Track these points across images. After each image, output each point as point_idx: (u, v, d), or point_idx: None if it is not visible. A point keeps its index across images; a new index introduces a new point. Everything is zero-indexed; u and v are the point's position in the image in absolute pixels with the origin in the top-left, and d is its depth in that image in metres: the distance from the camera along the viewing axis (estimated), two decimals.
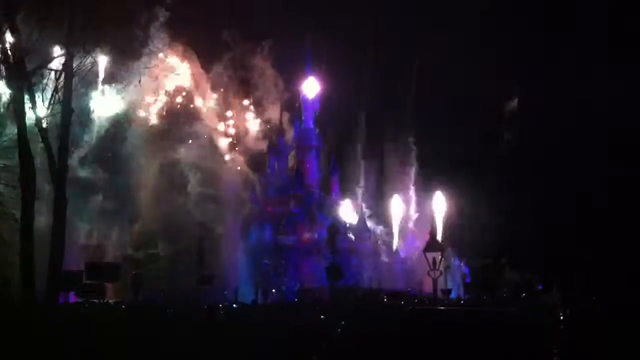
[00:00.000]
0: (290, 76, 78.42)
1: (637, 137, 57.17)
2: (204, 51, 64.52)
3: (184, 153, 63.30)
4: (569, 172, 61.76)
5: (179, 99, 65.52)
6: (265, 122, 73.91)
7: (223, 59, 66.33)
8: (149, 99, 59.49)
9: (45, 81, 31.60)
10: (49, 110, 31.47)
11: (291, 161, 79.73)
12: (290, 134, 77.76)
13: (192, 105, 66.14)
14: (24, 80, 29.97)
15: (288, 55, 77.48)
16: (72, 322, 27.59)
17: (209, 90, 67.17)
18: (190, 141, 64.35)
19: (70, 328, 25.20)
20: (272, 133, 76.68)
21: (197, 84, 65.71)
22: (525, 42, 68.80)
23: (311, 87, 79.99)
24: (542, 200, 62.57)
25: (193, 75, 64.76)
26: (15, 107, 30.17)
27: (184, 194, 62.55)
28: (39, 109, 30.62)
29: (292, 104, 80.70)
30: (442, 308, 37.34)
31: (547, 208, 62.36)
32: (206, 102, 67.22)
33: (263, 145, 74.08)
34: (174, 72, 52.41)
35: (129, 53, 33.43)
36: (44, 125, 31.09)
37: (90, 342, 22.38)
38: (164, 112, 64.13)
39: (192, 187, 62.73)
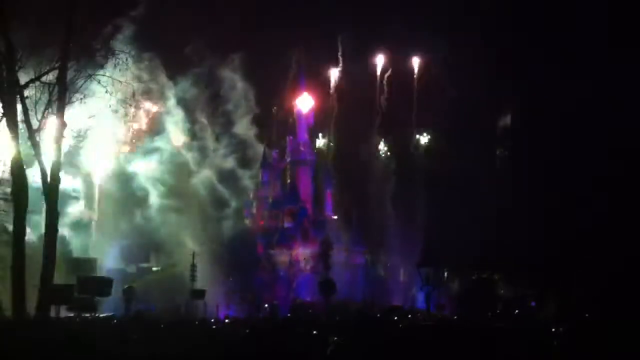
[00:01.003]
0: (283, 91, 78.64)
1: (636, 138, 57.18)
2: (175, 63, 63.66)
3: (165, 167, 62.70)
4: (566, 178, 61.71)
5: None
6: (235, 136, 72.24)
7: (194, 72, 65.53)
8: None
9: (38, 94, 31.53)
10: (42, 124, 31.40)
11: (285, 176, 79.76)
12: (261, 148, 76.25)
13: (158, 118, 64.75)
14: (17, 93, 29.92)
15: (283, 70, 77.68)
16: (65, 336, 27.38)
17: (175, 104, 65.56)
18: (164, 155, 63.53)
19: (61, 342, 25.02)
20: (266, 147, 76.32)
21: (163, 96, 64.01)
22: (524, 42, 68.82)
23: (305, 102, 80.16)
24: (538, 208, 62.46)
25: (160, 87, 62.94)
26: (8, 121, 30.09)
27: (173, 207, 62.25)
28: (31, 122, 30.55)
29: (286, 119, 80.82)
30: (435, 324, 37.31)
31: (544, 216, 62.21)
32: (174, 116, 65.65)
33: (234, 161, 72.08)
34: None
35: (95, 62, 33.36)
36: (37, 138, 31.00)
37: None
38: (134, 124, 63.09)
39: (180, 202, 62.43)
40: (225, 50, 67.70)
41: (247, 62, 68.81)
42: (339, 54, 79.48)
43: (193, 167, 65.52)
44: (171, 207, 61.66)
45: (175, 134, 65.21)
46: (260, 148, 74.73)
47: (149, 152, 62.93)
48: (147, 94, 53.78)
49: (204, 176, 65.70)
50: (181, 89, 64.55)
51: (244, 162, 71.65)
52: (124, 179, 61.25)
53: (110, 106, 34.98)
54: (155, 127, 64.74)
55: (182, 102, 64.81)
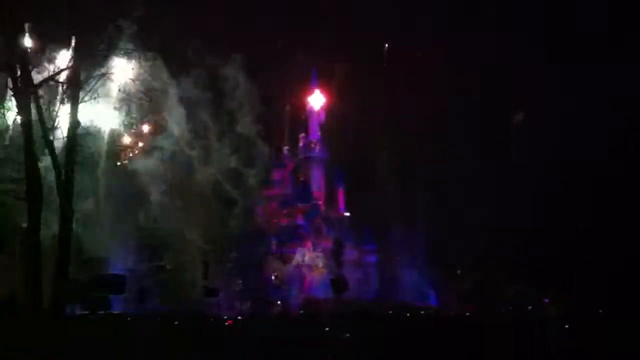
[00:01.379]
0: (295, 88, 78.78)
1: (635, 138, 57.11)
2: (177, 62, 63.15)
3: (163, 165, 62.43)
4: (566, 178, 61.66)
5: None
6: (239, 134, 71.64)
7: (197, 71, 65.15)
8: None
9: (52, 93, 31.84)
10: (56, 122, 31.68)
11: (297, 173, 79.83)
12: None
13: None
14: (31, 93, 30.19)
15: (294, 68, 77.79)
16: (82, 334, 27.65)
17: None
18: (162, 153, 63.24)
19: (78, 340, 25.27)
20: (277, 145, 76.25)
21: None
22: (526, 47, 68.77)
23: (317, 99, 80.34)
24: (538, 207, 62.45)
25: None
26: (22, 119, 30.38)
27: (180, 206, 62.26)
28: (45, 120, 30.82)
29: (298, 117, 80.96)
30: (446, 320, 37.38)
31: (543, 216, 62.22)
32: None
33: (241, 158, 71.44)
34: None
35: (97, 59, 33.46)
36: (51, 137, 31.29)
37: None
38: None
39: (187, 201, 62.39)
40: (231, 48, 67.61)
41: (254, 60, 68.74)
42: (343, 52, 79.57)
43: (198, 166, 65.55)
44: (178, 206, 61.76)
45: (178, 132, 65.14)
46: (266, 146, 74.57)
47: (152, 150, 62.92)
48: (150, 92, 53.65)
49: (209, 175, 65.79)
50: (183, 88, 64.39)
51: (250, 160, 71.43)
52: (128, 177, 61.35)
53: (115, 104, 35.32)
54: (158, 126, 64.68)
55: (184, 101, 64.62)
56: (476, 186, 66.39)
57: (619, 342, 23.21)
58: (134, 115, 45.54)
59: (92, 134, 41.17)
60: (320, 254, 71.30)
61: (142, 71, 38.56)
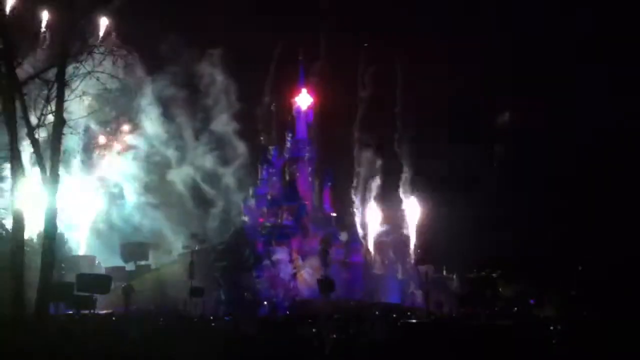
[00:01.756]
0: (283, 89, 78.77)
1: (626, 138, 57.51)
2: (154, 59, 62.34)
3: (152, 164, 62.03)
4: (565, 178, 61.93)
5: None
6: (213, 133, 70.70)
7: (175, 69, 64.41)
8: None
9: (37, 91, 31.43)
10: (41, 121, 31.29)
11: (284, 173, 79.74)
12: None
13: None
14: (16, 90, 29.84)
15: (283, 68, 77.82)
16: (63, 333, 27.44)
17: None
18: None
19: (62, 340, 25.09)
20: (263, 144, 76.04)
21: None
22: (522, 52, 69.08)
23: (304, 100, 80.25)
24: (538, 207, 62.67)
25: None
26: (7, 118, 30.01)
27: (173, 205, 62.08)
28: (30, 119, 30.46)
29: (286, 117, 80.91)
30: (433, 323, 37.34)
31: (538, 216, 62.44)
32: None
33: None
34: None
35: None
36: (36, 135, 30.91)
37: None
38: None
39: (172, 200, 62.19)
40: (215, 48, 67.17)
41: (242, 60, 68.53)
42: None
43: (183, 166, 65.10)
44: (163, 205, 61.49)
45: (157, 133, 64.63)
46: (253, 146, 74.53)
47: (129, 149, 62.50)
48: (125, 91, 53.07)
49: (194, 175, 65.45)
50: (160, 86, 63.74)
51: (237, 160, 71.25)
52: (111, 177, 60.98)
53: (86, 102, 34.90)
54: (135, 126, 64.09)
55: (170, 101, 64.08)
56: (472, 185, 66.61)
57: (618, 342, 23.21)
58: (112, 113, 45.04)
59: (71, 131, 40.65)
60: (307, 254, 71.19)
61: (124, 69, 37.98)
